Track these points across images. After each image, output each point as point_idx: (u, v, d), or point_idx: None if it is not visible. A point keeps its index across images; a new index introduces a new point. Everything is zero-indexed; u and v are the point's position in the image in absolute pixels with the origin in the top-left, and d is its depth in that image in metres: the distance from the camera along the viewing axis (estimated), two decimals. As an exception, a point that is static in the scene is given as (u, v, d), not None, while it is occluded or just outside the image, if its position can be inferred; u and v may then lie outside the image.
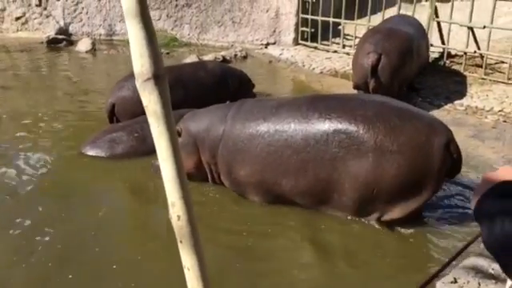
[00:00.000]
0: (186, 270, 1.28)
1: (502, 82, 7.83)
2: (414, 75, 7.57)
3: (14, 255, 3.74)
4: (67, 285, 3.44)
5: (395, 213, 3.95)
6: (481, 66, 8.22)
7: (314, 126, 3.98)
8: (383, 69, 6.70)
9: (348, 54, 9.81)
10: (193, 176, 4.53)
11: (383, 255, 3.81)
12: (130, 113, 5.81)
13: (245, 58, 10.42)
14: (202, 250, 1.27)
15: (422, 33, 7.91)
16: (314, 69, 9.50)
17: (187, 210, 1.24)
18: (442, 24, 8.79)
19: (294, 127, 4.04)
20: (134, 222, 4.40)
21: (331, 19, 10.25)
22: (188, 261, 1.26)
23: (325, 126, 3.95)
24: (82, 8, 12.09)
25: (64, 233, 4.05)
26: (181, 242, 1.25)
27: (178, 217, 1.24)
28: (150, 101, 1.21)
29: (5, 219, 4.21)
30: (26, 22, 12.24)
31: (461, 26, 8.53)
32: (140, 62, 1.19)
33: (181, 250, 1.27)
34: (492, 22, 7.98)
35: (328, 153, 3.91)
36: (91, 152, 5.38)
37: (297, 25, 10.88)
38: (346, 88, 8.35)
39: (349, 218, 4.18)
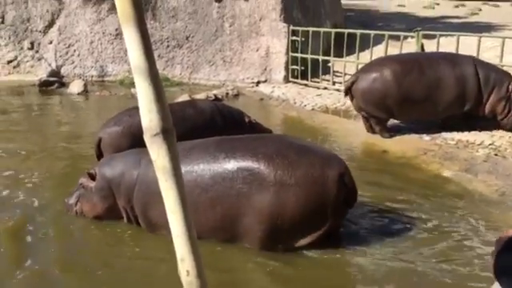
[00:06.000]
0: (195, 328, 1.24)
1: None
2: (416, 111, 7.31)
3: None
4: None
5: (301, 241, 4.26)
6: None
7: (221, 165, 4.27)
8: (354, 91, 7.37)
9: (338, 90, 9.94)
10: (104, 217, 4.81)
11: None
12: (115, 146, 5.77)
13: (236, 96, 10.53)
14: (212, 306, 1.24)
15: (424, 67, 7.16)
16: (305, 106, 9.61)
17: (197, 265, 1.22)
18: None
19: (202, 167, 4.31)
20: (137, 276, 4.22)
21: (320, 57, 10.45)
22: (198, 318, 1.23)
23: (230, 164, 4.24)
24: (74, 50, 12.22)
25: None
26: (190, 298, 1.23)
27: (188, 272, 1.22)
28: (159, 155, 1.21)
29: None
30: (18, 65, 12.33)
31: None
32: (148, 117, 1.20)
33: (190, 306, 1.24)
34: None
35: (234, 189, 4.20)
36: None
37: (287, 63, 11.07)
38: (338, 124, 8.44)
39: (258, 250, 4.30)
